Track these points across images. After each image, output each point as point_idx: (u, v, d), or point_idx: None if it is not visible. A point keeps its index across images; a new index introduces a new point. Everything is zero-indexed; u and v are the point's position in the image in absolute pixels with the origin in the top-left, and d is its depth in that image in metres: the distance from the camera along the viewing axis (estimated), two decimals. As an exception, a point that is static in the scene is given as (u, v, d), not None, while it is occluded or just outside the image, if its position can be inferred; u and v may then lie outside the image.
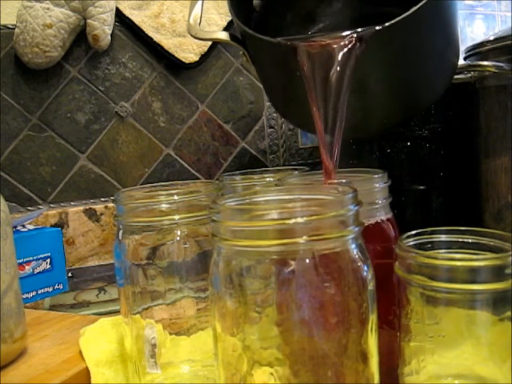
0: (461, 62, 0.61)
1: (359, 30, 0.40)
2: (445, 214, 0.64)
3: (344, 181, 0.39)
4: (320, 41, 0.42)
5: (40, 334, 0.47)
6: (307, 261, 0.27)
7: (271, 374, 0.29)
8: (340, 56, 0.40)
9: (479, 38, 0.57)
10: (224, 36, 0.47)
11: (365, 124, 0.48)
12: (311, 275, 0.27)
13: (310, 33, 0.59)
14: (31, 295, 0.65)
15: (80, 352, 0.42)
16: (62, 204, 0.91)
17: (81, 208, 0.91)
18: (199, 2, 0.50)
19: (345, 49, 0.40)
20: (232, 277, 0.29)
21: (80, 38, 0.88)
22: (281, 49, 0.43)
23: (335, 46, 0.40)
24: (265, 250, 0.27)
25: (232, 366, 0.30)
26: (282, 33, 0.52)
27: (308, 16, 0.59)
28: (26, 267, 0.64)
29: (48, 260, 0.67)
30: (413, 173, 0.65)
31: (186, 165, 0.98)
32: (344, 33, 0.40)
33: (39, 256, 0.66)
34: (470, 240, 0.34)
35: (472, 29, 1.20)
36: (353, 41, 0.40)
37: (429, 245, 0.34)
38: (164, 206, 0.38)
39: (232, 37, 0.47)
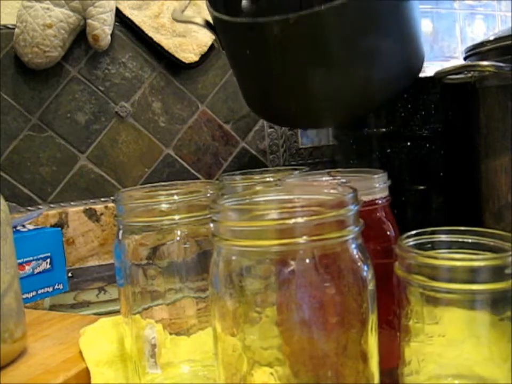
0: (461, 62, 0.61)
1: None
2: (445, 214, 0.64)
3: (344, 180, 0.39)
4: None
5: (40, 334, 0.47)
6: (307, 261, 0.27)
7: (271, 374, 0.29)
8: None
9: (479, 38, 0.57)
10: (199, 20, 0.52)
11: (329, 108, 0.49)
12: (311, 275, 0.27)
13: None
14: (31, 295, 0.65)
15: (80, 352, 0.42)
16: (62, 204, 0.91)
17: (81, 208, 0.91)
18: None
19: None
20: (232, 277, 0.29)
21: (80, 38, 0.88)
22: (240, 28, 0.47)
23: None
24: (265, 250, 0.27)
25: (232, 366, 0.30)
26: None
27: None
28: (26, 267, 0.64)
29: (48, 260, 0.67)
30: (413, 173, 0.65)
31: (186, 165, 0.98)
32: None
33: (39, 256, 0.66)
34: (470, 240, 0.33)
35: (472, 29, 1.20)
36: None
37: (429, 245, 0.34)
38: (164, 206, 0.38)
39: (207, 23, 0.51)
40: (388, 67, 0.49)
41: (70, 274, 0.83)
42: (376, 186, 0.38)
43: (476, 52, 0.56)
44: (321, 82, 0.46)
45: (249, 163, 1.01)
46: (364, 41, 0.46)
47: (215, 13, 0.49)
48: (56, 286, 0.68)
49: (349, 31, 0.45)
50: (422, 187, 0.64)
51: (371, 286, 0.29)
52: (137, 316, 0.39)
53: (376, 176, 0.38)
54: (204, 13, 0.95)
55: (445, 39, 1.18)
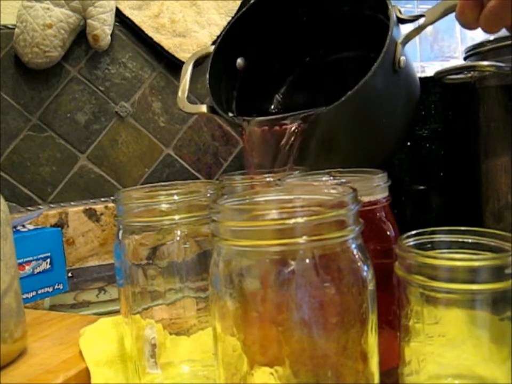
0: (461, 62, 0.61)
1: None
2: (445, 214, 0.64)
3: (344, 180, 0.39)
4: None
5: (40, 334, 0.47)
6: (307, 261, 0.27)
7: (271, 374, 0.29)
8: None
9: (479, 38, 0.57)
10: (205, 109, 0.58)
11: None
12: (311, 275, 0.27)
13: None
14: (31, 295, 0.65)
15: (80, 352, 0.42)
16: (62, 204, 0.91)
17: (81, 208, 0.91)
18: (187, 77, 0.61)
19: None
20: (232, 277, 0.29)
21: (80, 38, 0.88)
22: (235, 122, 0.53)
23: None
24: (265, 250, 0.27)
25: (232, 366, 0.30)
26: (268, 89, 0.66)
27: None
28: (26, 267, 0.64)
29: (48, 260, 0.67)
30: (413, 173, 0.65)
31: (186, 165, 0.98)
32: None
33: (39, 256, 0.66)
34: (470, 240, 0.33)
35: (472, 29, 1.20)
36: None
37: (429, 245, 0.34)
38: (164, 206, 0.38)
39: (212, 110, 0.57)
40: (396, 121, 0.55)
41: (70, 274, 0.83)
42: (376, 186, 0.38)
43: (476, 51, 0.56)
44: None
45: (249, 163, 1.01)
46: (371, 121, 0.52)
47: (215, 105, 0.55)
48: (56, 286, 0.68)
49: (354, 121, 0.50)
50: (422, 187, 0.64)
51: (371, 286, 0.29)
52: (137, 316, 0.39)
53: (376, 176, 0.38)
54: (204, 14, 0.95)
55: (445, 39, 1.18)
